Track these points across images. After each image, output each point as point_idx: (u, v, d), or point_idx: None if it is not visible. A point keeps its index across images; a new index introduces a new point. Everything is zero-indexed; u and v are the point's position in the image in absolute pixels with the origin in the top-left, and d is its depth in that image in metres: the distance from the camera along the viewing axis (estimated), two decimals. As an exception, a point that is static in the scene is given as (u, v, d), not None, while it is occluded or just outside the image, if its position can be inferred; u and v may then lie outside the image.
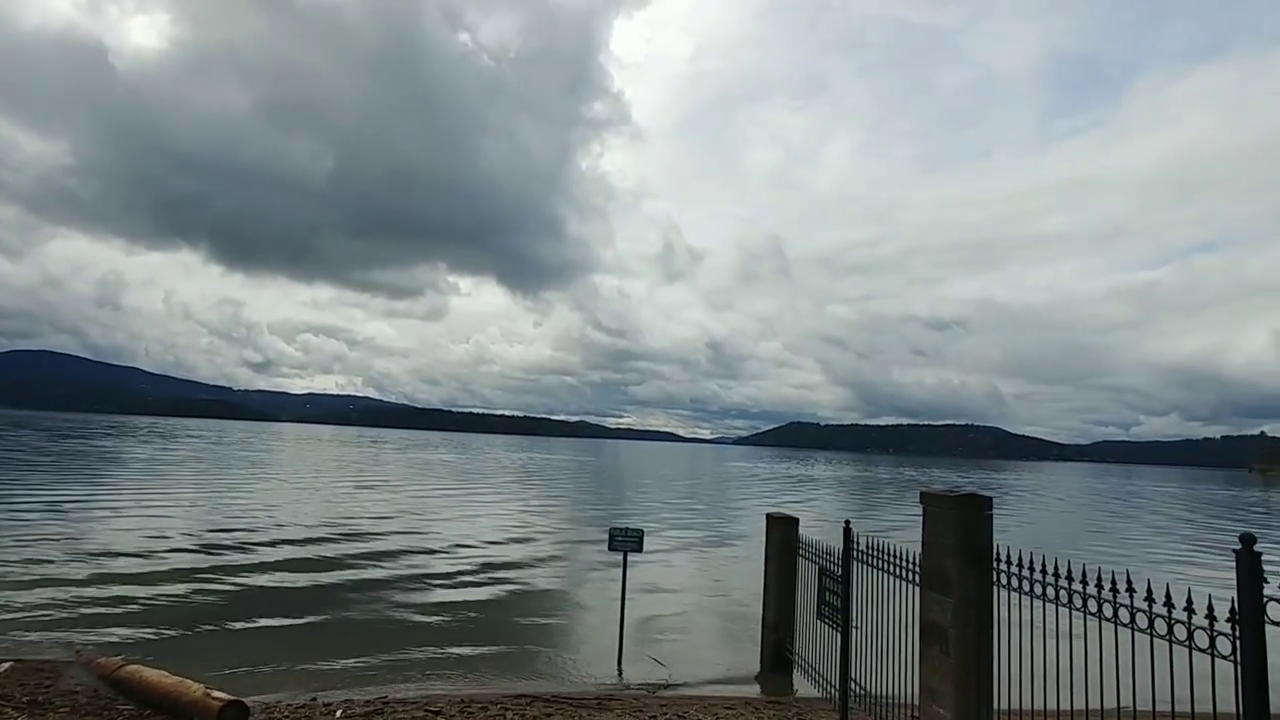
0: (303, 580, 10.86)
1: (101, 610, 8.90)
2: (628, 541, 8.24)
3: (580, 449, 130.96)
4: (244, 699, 5.71)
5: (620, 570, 8.42)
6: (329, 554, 12.86)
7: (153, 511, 17.46)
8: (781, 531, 7.46)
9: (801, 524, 7.45)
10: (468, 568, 12.63)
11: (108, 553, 12.22)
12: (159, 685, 5.97)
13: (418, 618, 9.42)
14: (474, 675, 7.47)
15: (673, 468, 68.71)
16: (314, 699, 6.43)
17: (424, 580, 11.56)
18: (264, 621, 8.56)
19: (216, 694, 5.67)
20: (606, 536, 8.34)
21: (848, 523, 6.00)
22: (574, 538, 17.45)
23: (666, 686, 7.37)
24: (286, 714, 5.89)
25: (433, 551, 13.92)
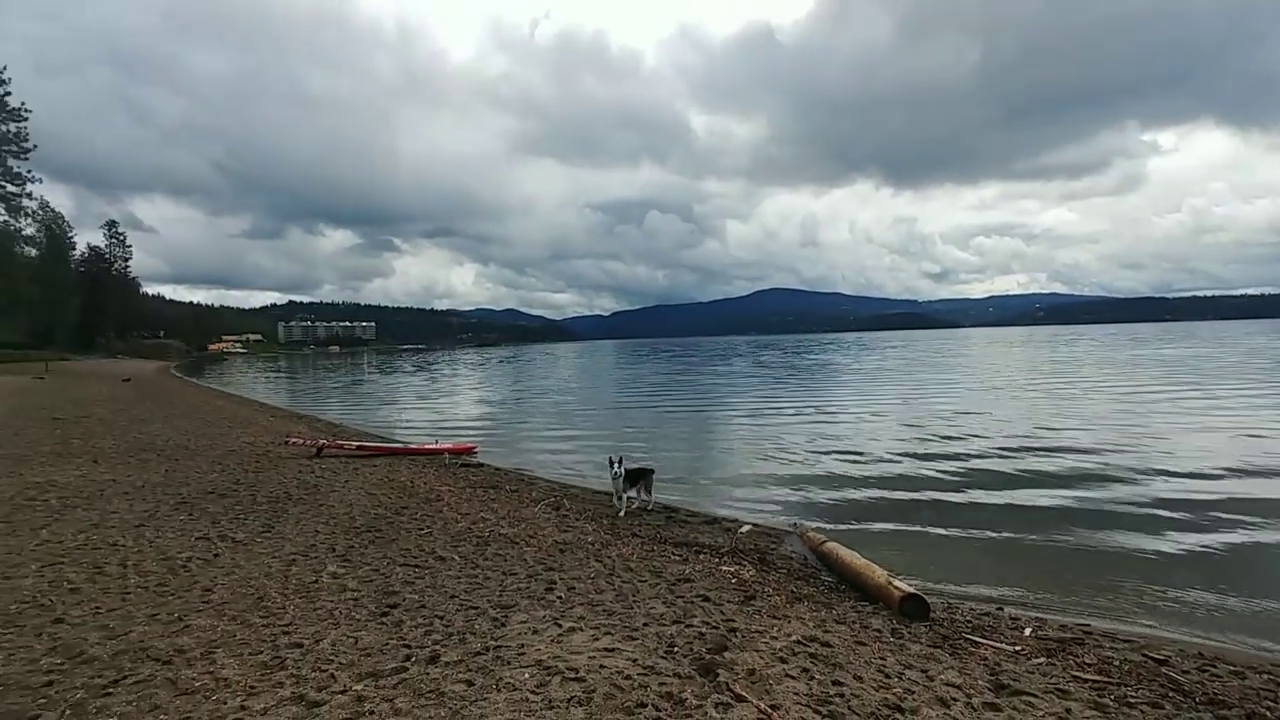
0: (995, 490, 10.48)
1: (817, 495, 10.50)
2: None
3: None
4: (925, 594, 5.71)
5: None
6: (1027, 465, 12.10)
7: (866, 415, 19.89)
8: None
9: None
10: (1203, 496, 9.88)
11: (831, 449, 14.40)
12: (851, 564, 6.56)
13: (1133, 546, 7.81)
14: (1210, 629, 5.67)
15: None
16: (1000, 609, 5.99)
17: (1144, 504, 9.57)
18: (952, 529, 8.54)
19: (899, 584, 5.84)
20: None
21: None
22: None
23: None
24: (969, 619, 5.64)
25: (1156, 472, 11.47)
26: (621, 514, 9.00)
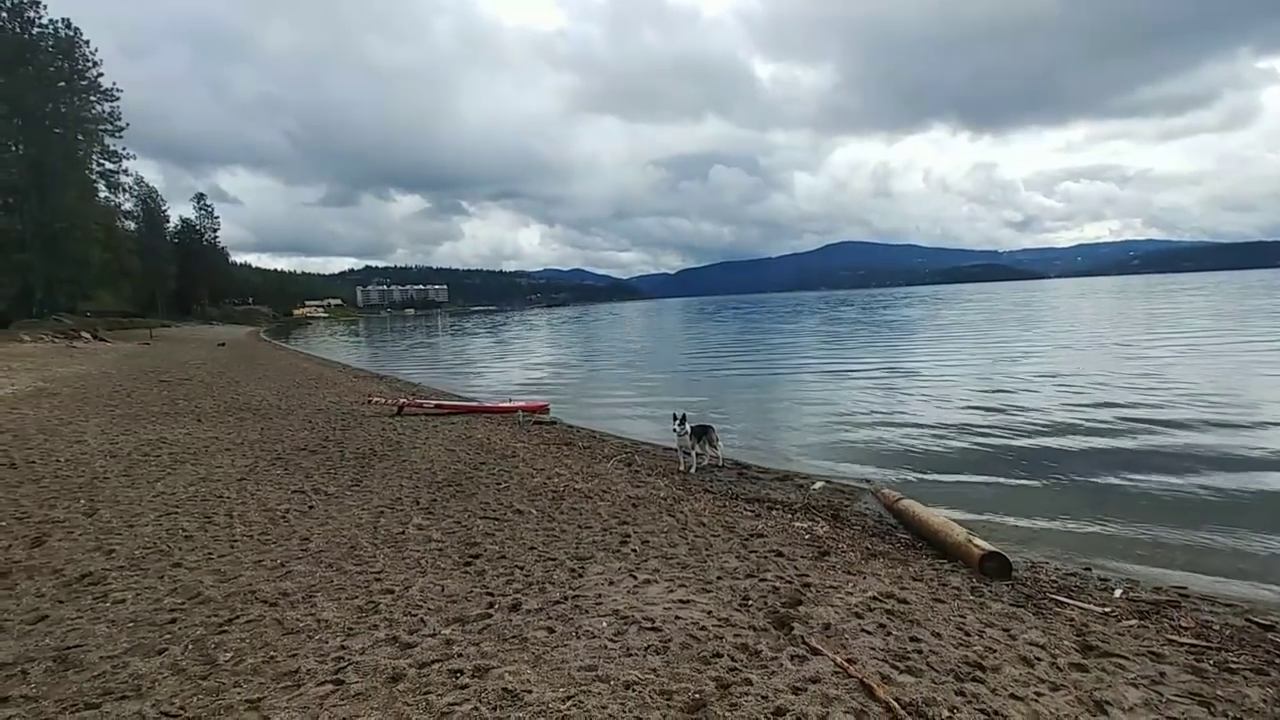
0: (1080, 446, 10.02)
1: (891, 452, 10.31)
2: None
3: None
4: (1006, 553, 5.56)
5: None
6: (1116, 421, 11.50)
7: (942, 373, 19.28)
8: None
9: None
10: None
11: (905, 408, 14.10)
12: (928, 522, 6.44)
13: (1235, 502, 7.37)
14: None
15: None
16: (1087, 569, 5.78)
17: (1249, 458, 8.99)
18: (1034, 486, 8.25)
19: (979, 542, 5.70)
20: None
21: None
22: None
23: None
24: (1054, 579, 5.47)
25: (1267, 424, 10.73)
26: (692, 470, 9.06)
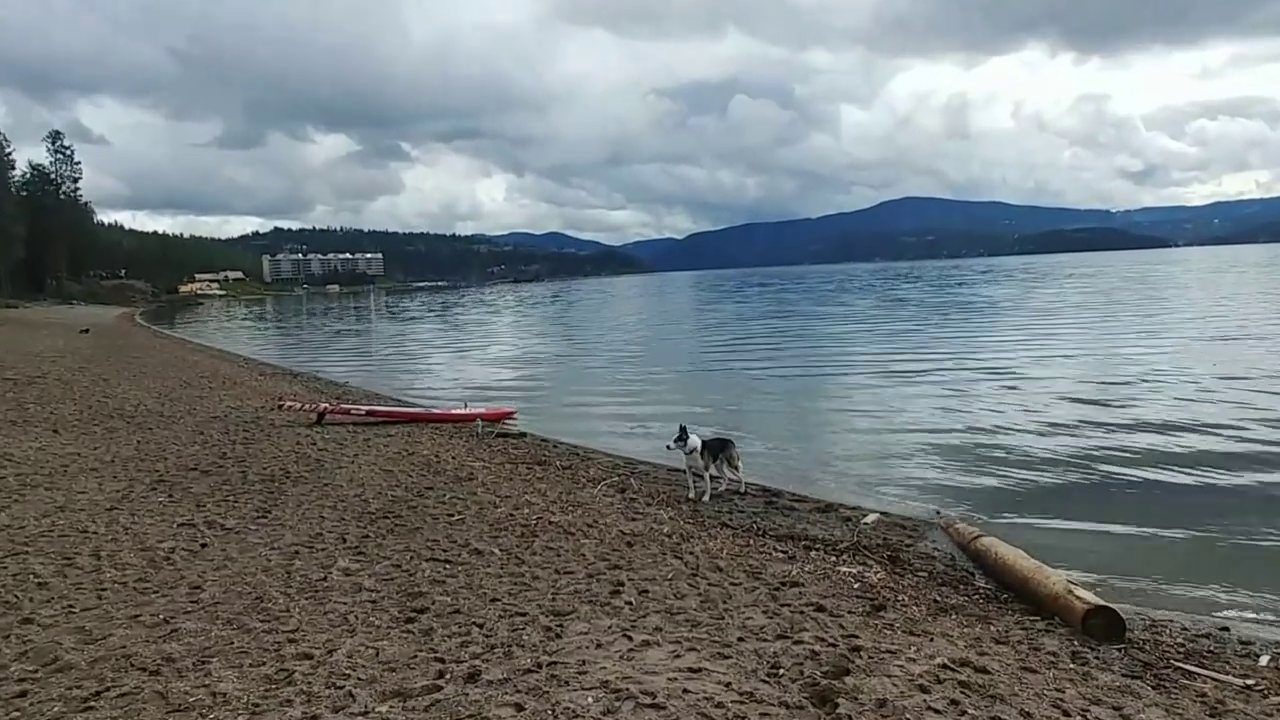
0: (1215, 473, 10.05)
1: (966, 475, 10.35)
2: None
3: None
4: (1118, 608, 5.59)
5: None
6: (1263, 442, 11.49)
7: (1035, 372, 19.35)
8: None
9: None
10: None
11: (985, 418, 14.17)
12: (1015, 566, 6.47)
13: None
14: None
15: None
16: (1224, 629, 5.81)
17: None
18: (1154, 522, 8.27)
19: (1082, 594, 5.73)
20: None
21: None
22: None
23: None
24: (1180, 641, 5.51)
25: None
26: (704, 498, 9.09)
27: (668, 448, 9.26)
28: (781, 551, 7.22)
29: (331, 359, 32.15)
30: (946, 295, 59.83)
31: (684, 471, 9.50)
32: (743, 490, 9.46)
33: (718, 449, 9.46)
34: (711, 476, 9.29)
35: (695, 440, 9.13)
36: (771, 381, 20.29)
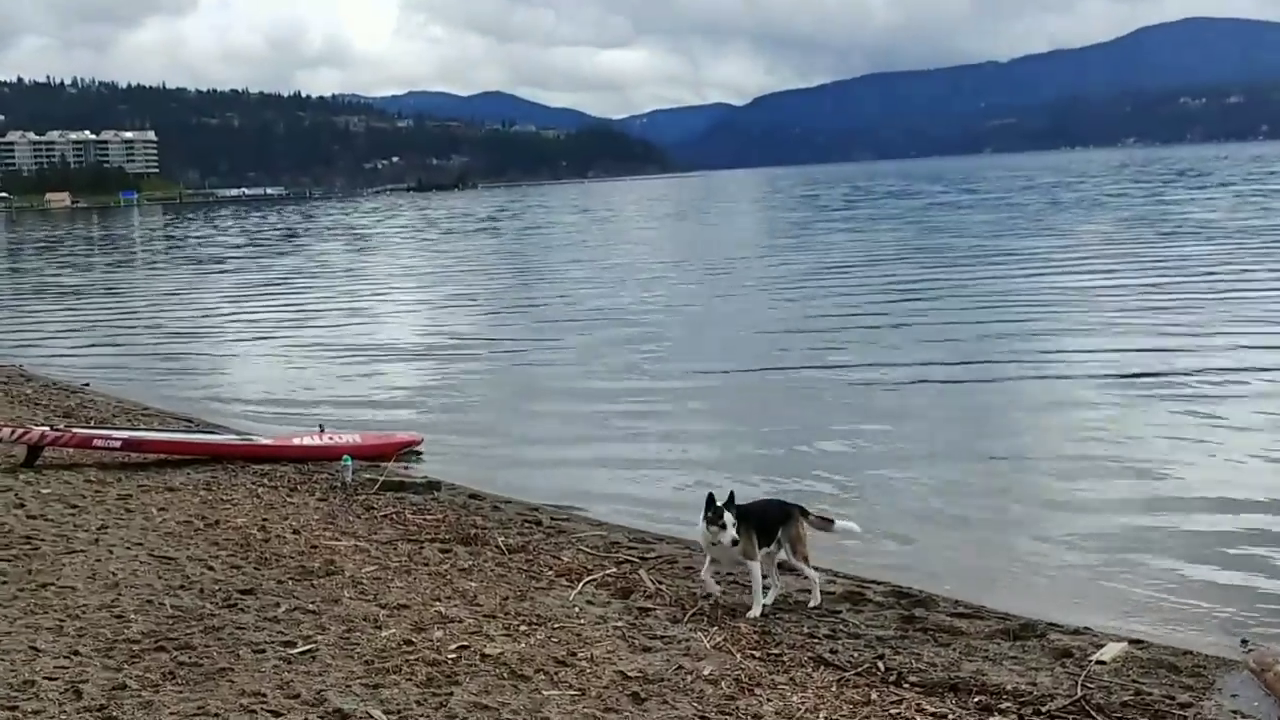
0: None
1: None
2: None
3: None
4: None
5: None
6: None
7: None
8: None
9: None
10: None
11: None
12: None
13: None
14: None
15: None
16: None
17: None
18: None
19: None
20: None
21: None
22: None
23: None
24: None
25: None
26: (765, 606, 5.28)
27: (706, 527, 5.25)
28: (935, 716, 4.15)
29: (54, 337, 21.65)
30: (1243, 217, 34.76)
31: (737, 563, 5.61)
32: (816, 600, 5.64)
33: (773, 521, 5.51)
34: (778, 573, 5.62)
35: (730, 517, 5.17)
36: (909, 393, 12.31)
